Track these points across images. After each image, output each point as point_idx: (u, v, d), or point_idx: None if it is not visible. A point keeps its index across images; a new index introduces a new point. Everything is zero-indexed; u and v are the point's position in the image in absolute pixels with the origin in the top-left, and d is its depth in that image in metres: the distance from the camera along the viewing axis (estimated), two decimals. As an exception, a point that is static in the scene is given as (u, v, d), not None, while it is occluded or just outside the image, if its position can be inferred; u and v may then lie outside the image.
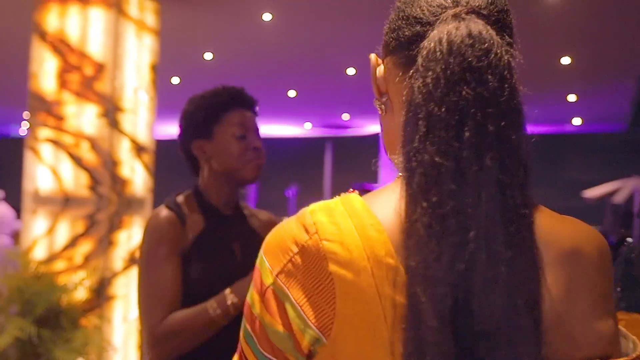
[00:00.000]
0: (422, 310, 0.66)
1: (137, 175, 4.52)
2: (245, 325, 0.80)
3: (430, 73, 0.71)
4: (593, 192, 10.68)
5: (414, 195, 0.70)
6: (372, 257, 0.71)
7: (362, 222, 0.74)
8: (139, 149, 4.54)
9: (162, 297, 1.70)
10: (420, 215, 0.68)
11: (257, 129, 1.91)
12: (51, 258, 4.25)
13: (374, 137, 11.85)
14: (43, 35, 4.36)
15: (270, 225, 1.93)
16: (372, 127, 11.70)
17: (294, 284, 0.74)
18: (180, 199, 1.86)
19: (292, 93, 8.54)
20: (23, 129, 13.04)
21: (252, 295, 0.79)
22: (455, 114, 0.69)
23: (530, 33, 5.77)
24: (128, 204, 4.41)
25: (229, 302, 1.65)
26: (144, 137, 4.60)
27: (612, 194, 10.14)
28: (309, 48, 6.43)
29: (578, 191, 10.28)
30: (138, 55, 4.57)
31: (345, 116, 10.82)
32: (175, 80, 7.85)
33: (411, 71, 0.75)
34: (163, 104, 4.90)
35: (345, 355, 0.71)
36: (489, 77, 0.70)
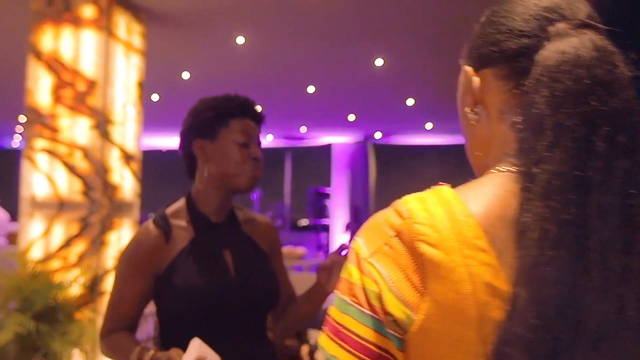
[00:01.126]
0: (523, 306, 0.60)
1: (126, 182, 4.30)
2: (342, 299, 0.71)
3: (558, 84, 0.65)
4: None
5: (532, 199, 0.64)
6: (461, 239, 0.66)
7: (452, 208, 0.68)
8: (127, 158, 4.33)
9: (116, 311, 1.56)
10: (537, 219, 0.62)
11: (259, 142, 1.67)
12: (47, 258, 4.01)
13: (327, 147, 11.77)
14: (38, 55, 4.12)
15: (268, 228, 1.74)
16: (326, 139, 11.61)
17: (388, 263, 0.68)
18: (170, 210, 1.61)
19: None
20: (16, 141, 12.54)
21: (349, 269, 0.72)
22: (585, 125, 0.64)
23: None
24: (118, 208, 4.19)
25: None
26: (132, 146, 4.40)
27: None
28: (275, 69, 6.27)
29: None
30: (126, 73, 4.35)
31: (303, 129, 10.69)
32: (155, 97, 7.58)
33: (527, 82, 0.69)
34: (144, 119, 4.67)
35: (434, 333, 0.65)
36: (618, 89, 0.65)
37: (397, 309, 0.66)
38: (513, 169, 0.70)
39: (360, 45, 5.60)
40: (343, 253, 1.58)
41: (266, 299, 1.61)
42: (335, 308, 0.72)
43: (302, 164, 12.80)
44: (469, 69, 0.81)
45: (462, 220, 0.67)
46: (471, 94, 0.80)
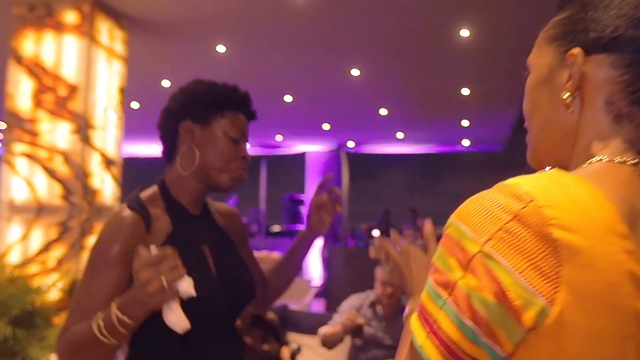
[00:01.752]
0: None
1: (106, 186, 4.13)
2: (436, 290, 0.61)
3: None
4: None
5: None
6: (601, 223, 0.58)
7: (582, 191, 0.60)
8: (108, 162, 4.16)
9: (81, 310, 1.23)
10: None
11: (246, 143, 1.49)
12: (26, 262, 3.82)
13: (302, 156, 11.67)
14: (19, 60, 3.95)
15: (233, 217, 1.58)
16: (301, 147, 11.51)
17: (509, 251, 0.57)
18: (144, 196, 1.37)
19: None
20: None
21: (448, 262, 0.60)
22: None
23: (441, 65, 5.75)
24: (98, 212, 4.02)
25: (114, 319, 1.12)
26: (112, 151, 4.23)
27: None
28: (254, 77, 6.15)
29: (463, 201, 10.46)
30: (108, 78, 4.19)
31: (279, 137, 10.57)
32: (135, 105, 7.39)
33: None
34: (124, 127, 4.51)
35: (572, 326, 0.55)
36: None
37: (526, 302, 0.56)
38: (621, 159, 0.65)
39: (337, 56, 5.53)
40: (331, 194, 1.54)
41: (245, 297, 1.48)
42: (428, 296, 0.62)
43: (277, 172, 12.68)
44: (578, 51, 0.70)
45: (600, 203, 0.59)
46: (575, 78, 0.70)
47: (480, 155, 12.21)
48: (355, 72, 5.89)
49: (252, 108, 1.47)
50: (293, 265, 1.63)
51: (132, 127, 5.22)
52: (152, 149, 10.81)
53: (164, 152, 1.45)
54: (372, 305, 3.55)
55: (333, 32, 4.91)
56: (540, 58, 0.74)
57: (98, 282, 1.25)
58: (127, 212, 1.30)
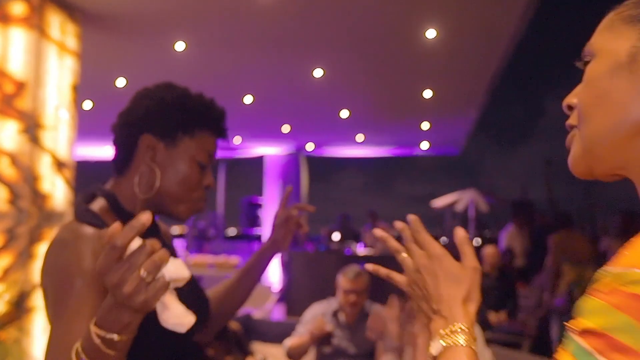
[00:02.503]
0: None
1: (57, 190, 3.85)
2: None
3: None
4: (439, 202, 10.94)
5: None
6: None
7: None
8: (59, 165, 3.88)
9: (69, 344, 0.94)
10: None
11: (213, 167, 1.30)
12: (-32, 272, 3.50)
13: (260, 159, 11.47)
14: (-40, 53, 3.63)
15: (168, 232, 1.40)
16: (260, 149, 11.29)
17: None
18: (95, 209, 1.16)
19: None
20: None
21: (630, 323, 0.42)
22: None
23: (406, 66, 5.67)
24: (48, 218, 3.74)
25: (96, 341, 0.86)
26: (64, 153, 3.95)
27: (453, 203, 10.43)
28: (214, 77, 5.93)
29: (425, 201, 10.46)
30: (59, 75, 3.91)
31: (237, 139, 10.33)
32: (87, 104, 7.04)
33: None
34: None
35: None
36: None
37: None
38: None
39: (300, 56, 5.38)
40: (299, 212, 1.43)
41: (206, 313, 1.33)
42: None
43: (235, 175, 12.44)
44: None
45: None
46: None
47: (436, 159, 12.29)
48: (318, 72, 5.75)
49: (227, 131, 1.31)
50: (251, 279, 1.49)
51: (83, 128, 4.92)
52: (106, 151, 10.40)
53: (115, 160, 1.24)
54: (335, 313, 3.42)
55: (297, 31, 4.75)
56: (615, 41, 0.62)
57: (76, 314, 0.99)
58: (87, 229, 1.08)
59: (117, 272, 0.80)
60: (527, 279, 7.25)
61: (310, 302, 3.64)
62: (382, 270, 0.90)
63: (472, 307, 0.77)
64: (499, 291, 5.55)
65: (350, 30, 4.66)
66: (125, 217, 1.15)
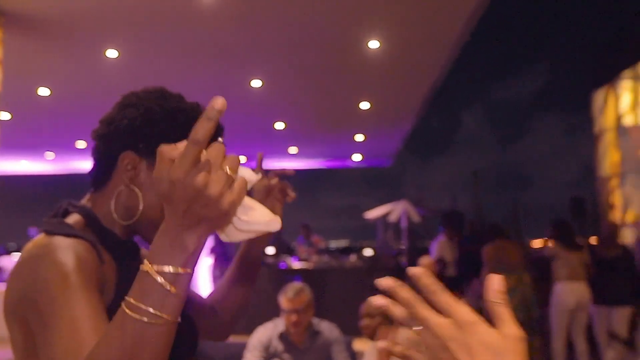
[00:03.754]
0: None
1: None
2: None
3: None
4: (372, 213, 11.00)
5: None
6: None
7: None
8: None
9: (78, 342, 0.80)
10: None
11: None
12: None
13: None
14: None
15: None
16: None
17: None
18: (70, 223, 1.00)
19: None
20: None
21: None
22: None
23: (345, 78, 5.63)
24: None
25: (159, 281, 0.69)
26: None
27: (386, 214, 10.50)
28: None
29: (354, 213, 10.53)
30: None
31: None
32: (5, 116, 6.55)
33: None
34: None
35: None
36: None
37: None
38: None
39: (238, 66, 5.23)
40: (280, 178, 1.22)
41: (197, 339, 1.17)
42: None
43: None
44: None
45: None
46: None
47: (367, 170, 12.39)
48: (256, 83, 5.61)
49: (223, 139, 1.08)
50: (248, 271, 1.31)
51: (2, 141, 4.54)
52: (22, 166, 9.75)
53: (92, 174, 1.07)
54: (282, 336, 3.26)
55: (235, 41, 4.61)
56: None
57: (94, 309, 0.84)
58: (63, 239, 0.92)
59: (199, 173, 0.66)
60: (459, 288, 7.37)
61: (248, 318, 3.47)
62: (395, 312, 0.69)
63: None
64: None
65: (292, 41, 4.57)
66: (104, 233, 1.01)
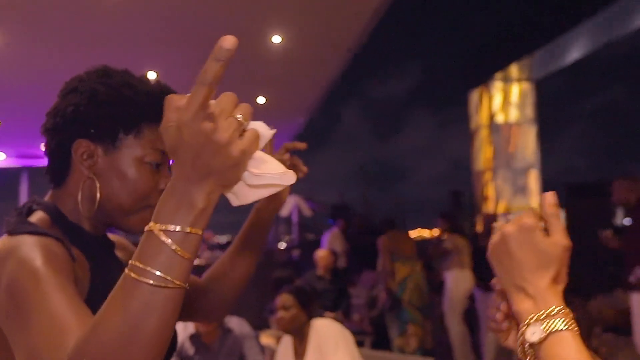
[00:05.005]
0: None
1: None
2: None
3: None
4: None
5: None
6: None
7: None
8: None
9: (58, 325, 0.74)
10: None
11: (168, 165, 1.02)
12: None
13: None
14: None
15: (121, 244, 1.15)
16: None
17: None
18: (33, 221, 0.92)
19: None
20: None
21: None
22: None
23: (244, 72, 5.58)
24: None
25: (167, 242, 0.64)
26: None
27: (279, 209, 10.59)
28: (32, 76, 5.26)
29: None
30: None
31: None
32: None
33: None
34: None
35: None
36: None
37: None
38: None
39: (131, 56, 5.00)
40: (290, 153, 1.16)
41: (175, 342, 1.10)
42: None
43: (41, 184, 11.20)
44: None
45: None
46: None
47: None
48: (151, 75, 5.41)
49: None
50: (257, 237, 1.21)
51: None
52: None
53: (49, 171, 1.00)
54: (193, 337, 3.20)
55: (131, 32, 4.43)
56: None
57: (56, 301, 0.76)
58: (28, 237, 0.84)
59: (208, 117, 0.62)
60: (350, 279, 7.60)
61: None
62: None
63: (561, 289, 0.71)
64: (333, 293, 5.72)
65: (191, 33, 4.45)
66: (72, 229, 0.95)
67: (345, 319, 5.76)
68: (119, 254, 1.10)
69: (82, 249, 0.93)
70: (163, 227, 0.64)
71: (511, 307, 0.73)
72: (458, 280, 5.81)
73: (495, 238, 0.75)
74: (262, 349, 3.83)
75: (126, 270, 0.66)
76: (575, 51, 9.36)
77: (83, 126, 0.96)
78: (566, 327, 0.66)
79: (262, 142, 0.69)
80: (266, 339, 4.13)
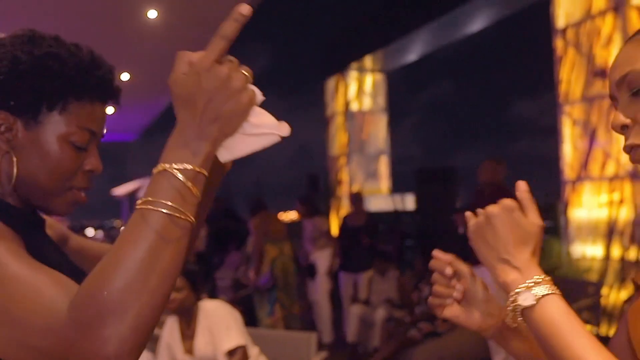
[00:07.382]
0: None
1: None
2: None
3: None
4: (120, 190, 10.40)
5: None
6: None
7: None
8: None
9: (54, 281, 0.72)
10: None
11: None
12: None
13: None
14: None
15: (50, 223, 1.04)
16: None
17: None
18: None
19: (117, 88, 5.84)
20: None
21: None
22: None
23: (110, 47, 5.24)
24: None
25: (181, 178, 0.69)
26: None
27: (135, 191, 10.08)
28: None
29: (99, 189, 10.03)
30: None
31: None
32: None
33: None
34: None
35: None
36: None
37: None
38: None
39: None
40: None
41: None
42: None
43: None
44: None
45: None
46: None
47: (107, 145, 11.70)
48: (152, 14, 4.89)
49: (117, 89, 0.94)
50: (204, 202, 1.11)
51: None
52: None
53: None
54: None
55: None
56: None
57: (26, 272, 0.73)
58: None
59: (224, 67, 0.71)
60: (208, 262, 7.52)
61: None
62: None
63: (537, 262, 0.81)
64: (199, 276, 5.66)
65: (61, 5, 4.10)
66: (7, 209, 0.88)
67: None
68: (49, 231, 1.01)
69: (11, 225, 0.85)
70: (177, 166, 0.69)
71: (495, 279, 0.82)
72: (324, 260, 6.02)
73: (479, 218, 0.85)
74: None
75: (139, 205, 0.69)
76: (417, 49, 10.18)
77: (2, 97, 0.87)
78: (552, 291, 0.77)
79: (257, 102, 0.77)
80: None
